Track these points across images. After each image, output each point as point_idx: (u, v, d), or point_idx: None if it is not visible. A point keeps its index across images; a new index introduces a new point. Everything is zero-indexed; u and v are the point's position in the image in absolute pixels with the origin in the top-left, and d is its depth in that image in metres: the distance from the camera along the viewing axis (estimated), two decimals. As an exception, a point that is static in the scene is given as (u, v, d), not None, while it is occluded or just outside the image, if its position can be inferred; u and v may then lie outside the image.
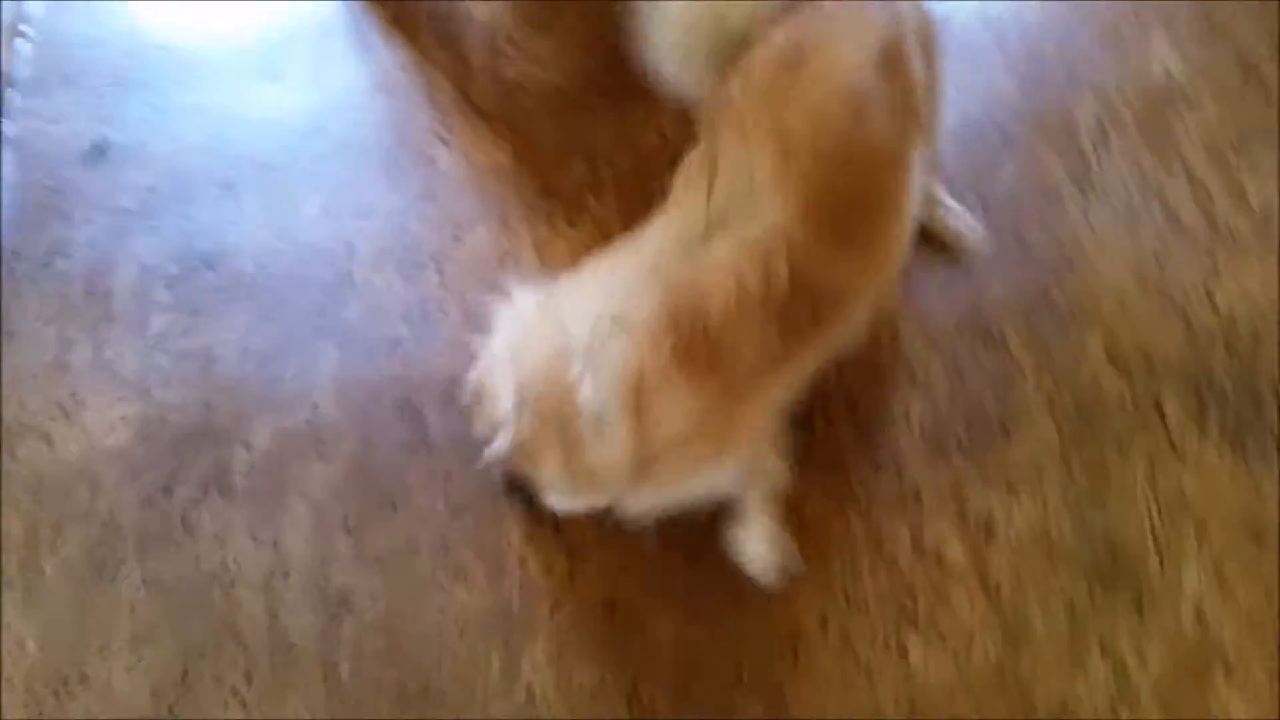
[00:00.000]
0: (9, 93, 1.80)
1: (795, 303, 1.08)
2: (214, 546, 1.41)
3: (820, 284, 1.10)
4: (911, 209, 1.21)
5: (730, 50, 1.22)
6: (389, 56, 1.82)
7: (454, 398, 1.43)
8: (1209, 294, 1.53)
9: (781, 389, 1.20)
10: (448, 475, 1.45)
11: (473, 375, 1.23)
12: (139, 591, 1.39)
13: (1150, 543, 1.37)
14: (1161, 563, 1.35)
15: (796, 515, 1.39)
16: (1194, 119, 1.68)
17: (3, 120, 1.77)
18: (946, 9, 1.80)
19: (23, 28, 1.87)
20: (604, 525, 1.39)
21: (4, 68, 1.83)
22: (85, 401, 1.52)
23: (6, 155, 1.75)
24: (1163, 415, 1.45)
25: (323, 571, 1.39)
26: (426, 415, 1.49)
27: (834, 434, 1.45)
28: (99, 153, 1.74)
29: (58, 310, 1.60)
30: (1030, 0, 1.83)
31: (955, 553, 1.37)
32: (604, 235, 1.49)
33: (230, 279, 1.62)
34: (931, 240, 1.53)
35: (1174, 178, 1.63)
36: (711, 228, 1.10)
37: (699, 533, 1.38)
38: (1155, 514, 1.38)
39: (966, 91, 1.72)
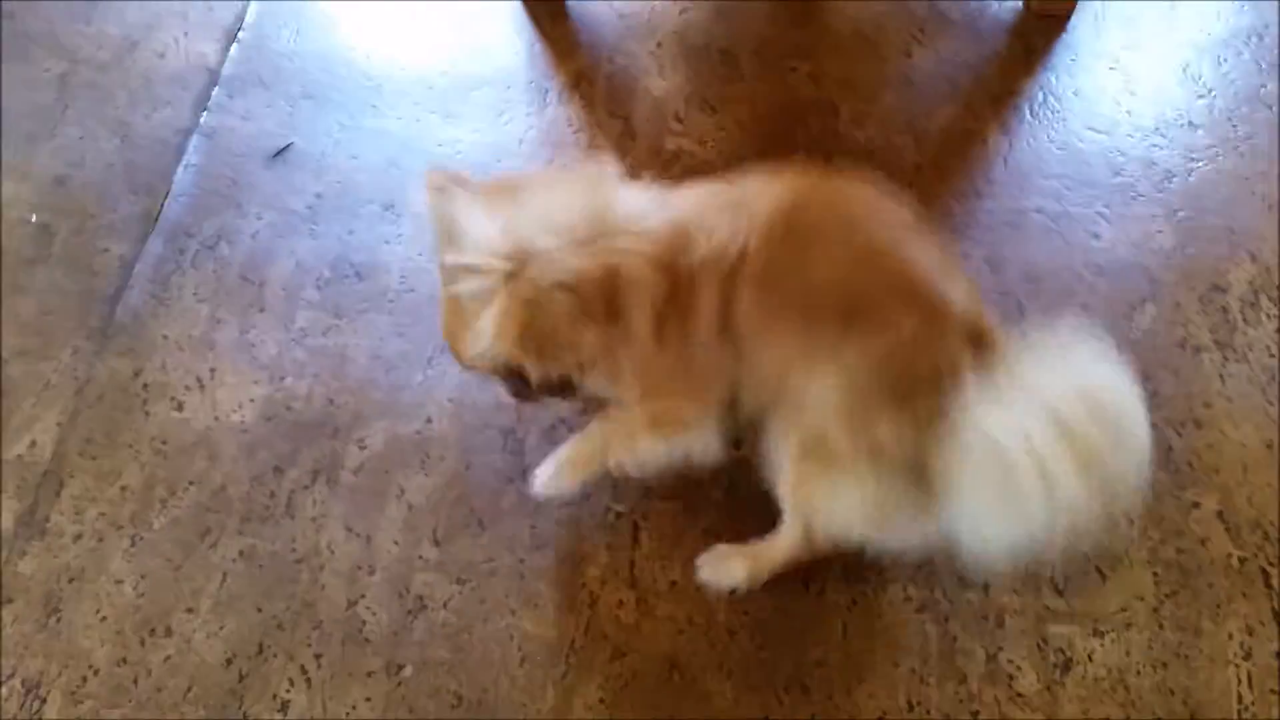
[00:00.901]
0: (214, 88, 1.98)
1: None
2: (310, 531, 1.48)
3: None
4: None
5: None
6: (563, 114, 1.93)
7: (555, 436, 1.49)
8: (1336, 471, 1.48)
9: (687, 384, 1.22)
10: (537, 508, 1.49)
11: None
12: (234, 561, 1.46)
13: (1235, 711, 1.31)
14: (1244, 735, 1.29)
15: (875, 613, 1.39)
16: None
17: (204, 111, 1.95)
18: (1112, 143, 1.84)
19: (239, 34, 2.06)
20: (678, 585, 1.42)
21: (214, 65, 2.02)
22: (221, 378, 1.63)
23: (198, 142, 1.91)
24: (1269, 585, 1.39)
25: (406, 573, 1.44)
26: (527, 448, 1.55)
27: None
28: (280, 155, 1.89)
29: (214, 290, 1.73)
30: (1199, 163, 1.83)
31: (1028, 682, 1.34)
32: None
33: (376, 290, 1.72)
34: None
35: (1317, 350, 1.59)
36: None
37: (773, 612, 1.39)
38: (1244, 683, 1.32)
39: (1120, 229, 1.73)
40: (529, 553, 1.46)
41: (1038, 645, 1.36)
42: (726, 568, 1.41)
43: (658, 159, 1.85)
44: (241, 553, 1.47)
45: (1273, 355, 1.59)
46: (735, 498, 1.47)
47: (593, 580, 1.43)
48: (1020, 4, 2.02)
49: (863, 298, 1.13)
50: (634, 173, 1.80)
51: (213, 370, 1.64)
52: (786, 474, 1.25)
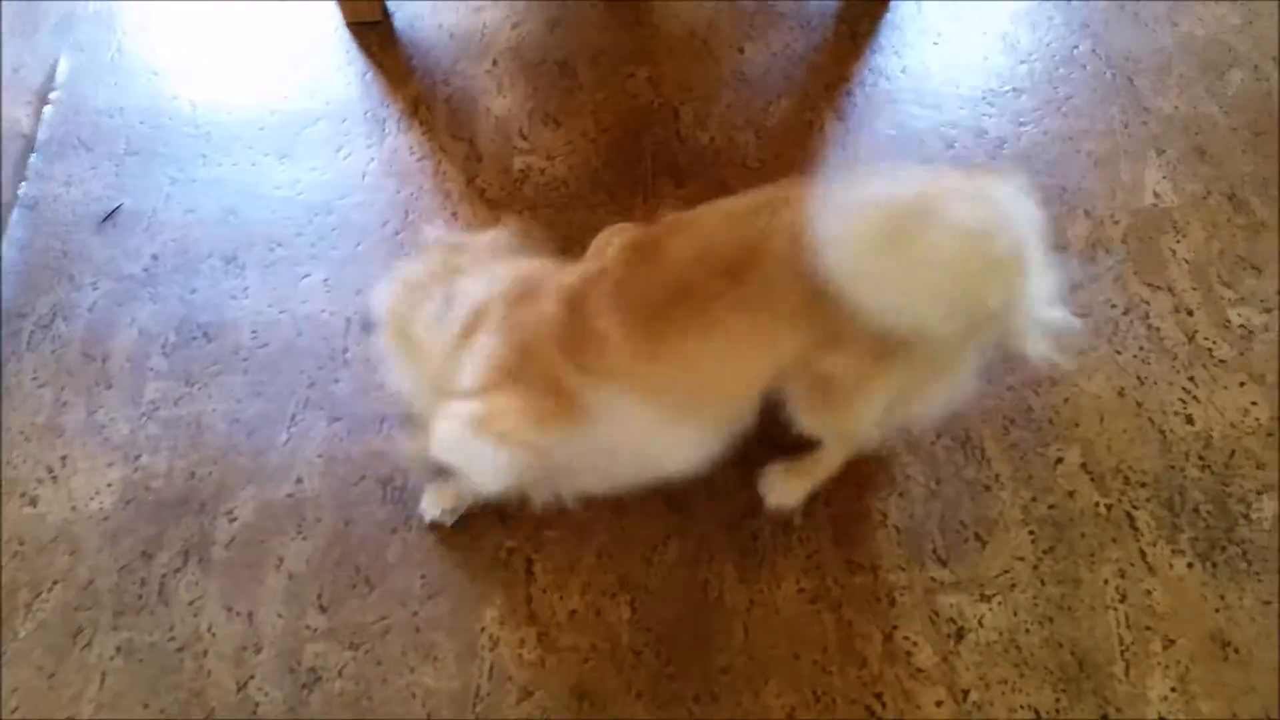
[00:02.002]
0: (31, 155, 1.87)
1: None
2: (188, 616, 1.42)
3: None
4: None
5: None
6: (404, 141, 1.89)
7: (440, 477, 1.46)
8: (1186, 412, 1.56)
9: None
10: (425, 556, 1.46)
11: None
12: (112, 659, 1.39)
13: (1117, 653, 1.37)
14: (1128, 673, 1.36)
15: (773, 610, 1.40)
16: (1182, 244, 1.73)
17: (22, 181, 1.83)
18: (943, 116, 1.89)
19: (51, 94, 1.95)
20: (577, 614, 1.41)
21: (28, 130, 1.90)
22: (74, 465, 1.55)
23: (20, 215, 1.80)
24: (1135, 528, 1.46)
25: (294, 646, 1.39)
26: (408, 494, 1.51)
27: (812, 532, 1.47)
28: (110, 218, 1.79)
29: (55, 372, 1.63)
30: (1027, 127, 1.90)
31: (925, 656, 1.37)
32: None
33: (227, 350, 1.65)
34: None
35: (1158, 297, 1.67)
36: None
37: (674, 625, 1.40)
38: (1123, 625, 1.39)
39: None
40: (422, 604, 1.43)
41: (930, 618, 1.40)
42: (789, 488, 1.47)
43: (507, 178, 1.83)
44: (119, 649, 1.40)
45: (1114, 306, 1.67)
46: (624, 512, 1.47)
47: (491, 622, 1.41)
48: (843, -12, 2.07)
49: (729, 259, 1.16)
50: (483, 195, 1.81)
51: (64, 458, 1.55)
52: (811, 422, 1.31)
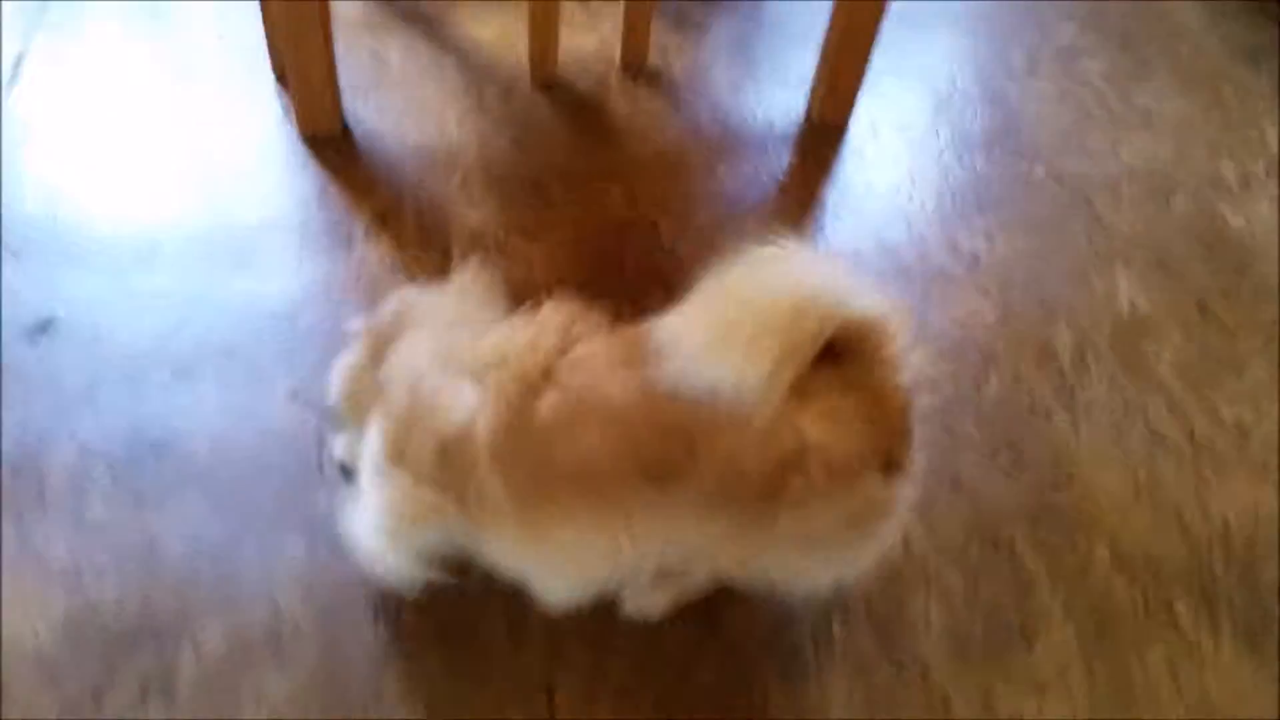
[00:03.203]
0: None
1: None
2: (149, 767, 1.19)
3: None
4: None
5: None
6: (373, 252, 1.79)
7: (434, 596, 1.30)
8: (1201, 505, 1.56)
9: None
10: (431, 688, 1.28)
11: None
12: (47, 828, 1.14)
13: (1186, 751, 1.30)
14: (1201, 771, 1.28)
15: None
16: (1164, 347, 1.79)
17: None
18: (916, 231, 1.93)
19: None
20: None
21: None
22: (5, 596, 1.31)
23: (-64, 328, 1.60)
24: (1175, 619, 1.42)
25: (282, 798, 1.18)
26: (404, 615, 1.34)
27: (854, 637, 1.36)
28: (42, 330, 1.61)
29: (-23, 493, 1.41)
30: (997, 242, 1.96)
31: (994, 767, 1.27)
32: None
33: (181, 465, 1.47)
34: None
35: (1153, 399, 1.70)
36: None
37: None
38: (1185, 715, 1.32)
39: (944, 312, 1.80)
40: (430, 739, 1.24)
41: (991, 723, 1.31)
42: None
43: (487, 289, 1.74)
44: (60, 813, 1.15)
45: (1113, 411, 1.68)
46: (653, 629, 1.33)
47: (512, 755, 1.23)
48: (802, 118, 2.13)
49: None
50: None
51: (-11, 589, 1.32)
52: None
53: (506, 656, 1.30)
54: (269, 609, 1.33)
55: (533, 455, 1.06)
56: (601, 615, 1.29)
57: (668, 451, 1.04)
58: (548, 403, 1.07)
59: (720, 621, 1.36)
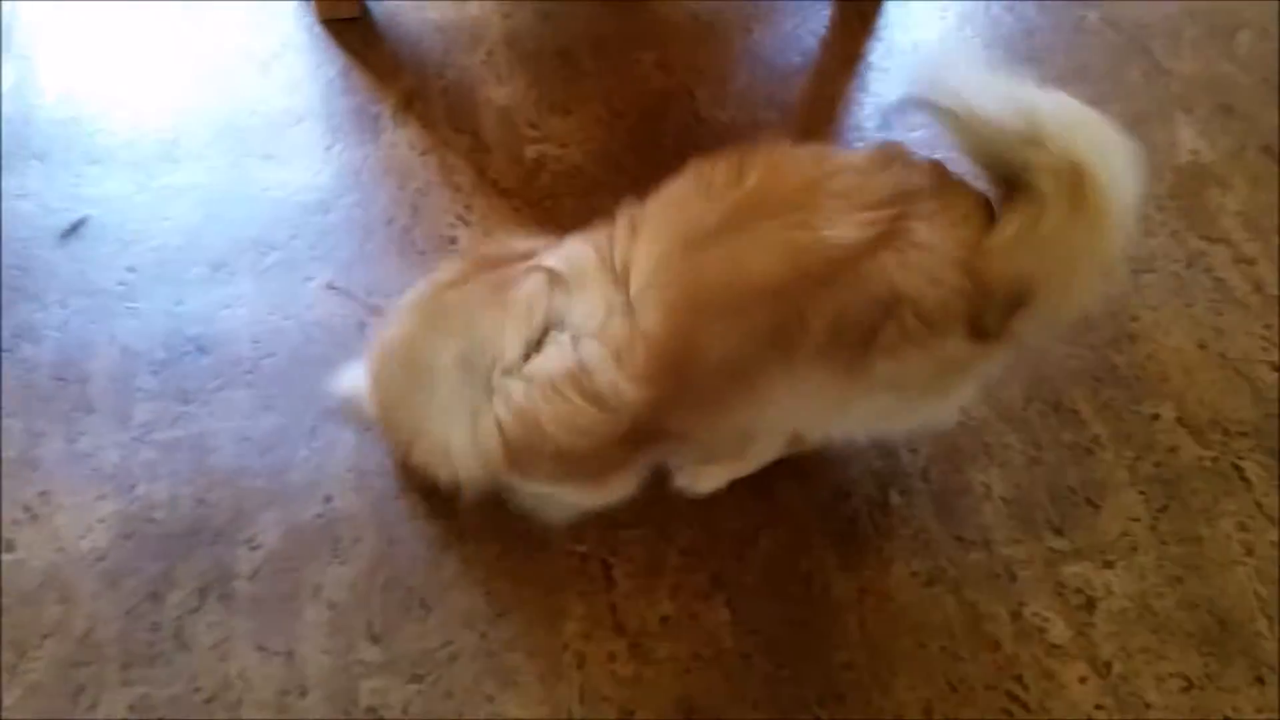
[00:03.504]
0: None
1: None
2: (214, 661, 1.20)
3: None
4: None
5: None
6: (401, 136, 1.73)
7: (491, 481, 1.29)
8: (1270, 359, 1.49)
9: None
10: (487, 571, 1.28)
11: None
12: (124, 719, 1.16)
13: (1257, 610, 1.27)
14: (1272, 630, 1.25)
15: (887, 597, 1.26)
16: (1229, 197, 1.69)
17: (-33, 197, 1.61)
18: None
19: (-8, 105, 1.74)
20: (670, 619, 1.25)
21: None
22: (57, 501, 1.32)
23: (-37, 235, 1.57)
24: (1245, 479, 1.38)
25: (347, 685, 1.19)
26: (461, 501, 1.33)
27: (914, 511, 1.34)
28: (75, 232, 1.58)
29: (24, 400, 1.40)
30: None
31: (1059, 631, 1.25)
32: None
33: (226, 363, 1.45)
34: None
35: (1217, 251, 1.62)
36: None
37: (782, 625, 1.24)
38: (1256, 579, 1.29)
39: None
40: (491, 624, 1.24)
41: (1056, 591, 1.28)
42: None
43: (521, 168, 1.68)
44: (132, 707, 1.16)
45: (1176, 261, 1.61)
46: (704, 504, 1.32)
47: (574, 637, 1.23)
48: (843, -31, 2.01)
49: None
50: (497, 186, 1.66)
51: (43, 494, 1.32)
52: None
53: (562, 543, 1.30)
54: (323, 502, 1.33)
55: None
56: (656, 494, 1.28)
57: (784, 318, 1.02)
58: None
59: (776, 495, 1.34)
